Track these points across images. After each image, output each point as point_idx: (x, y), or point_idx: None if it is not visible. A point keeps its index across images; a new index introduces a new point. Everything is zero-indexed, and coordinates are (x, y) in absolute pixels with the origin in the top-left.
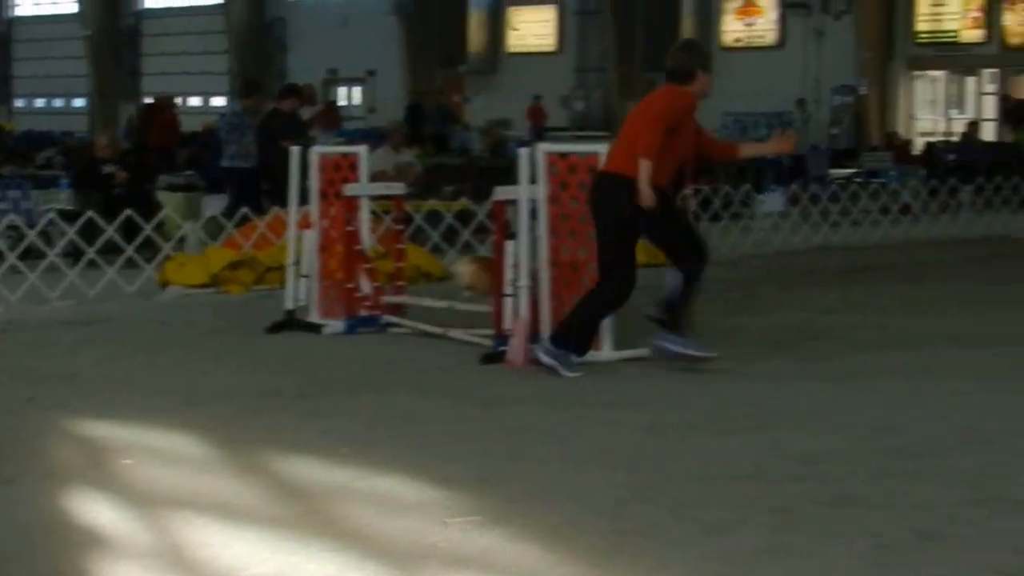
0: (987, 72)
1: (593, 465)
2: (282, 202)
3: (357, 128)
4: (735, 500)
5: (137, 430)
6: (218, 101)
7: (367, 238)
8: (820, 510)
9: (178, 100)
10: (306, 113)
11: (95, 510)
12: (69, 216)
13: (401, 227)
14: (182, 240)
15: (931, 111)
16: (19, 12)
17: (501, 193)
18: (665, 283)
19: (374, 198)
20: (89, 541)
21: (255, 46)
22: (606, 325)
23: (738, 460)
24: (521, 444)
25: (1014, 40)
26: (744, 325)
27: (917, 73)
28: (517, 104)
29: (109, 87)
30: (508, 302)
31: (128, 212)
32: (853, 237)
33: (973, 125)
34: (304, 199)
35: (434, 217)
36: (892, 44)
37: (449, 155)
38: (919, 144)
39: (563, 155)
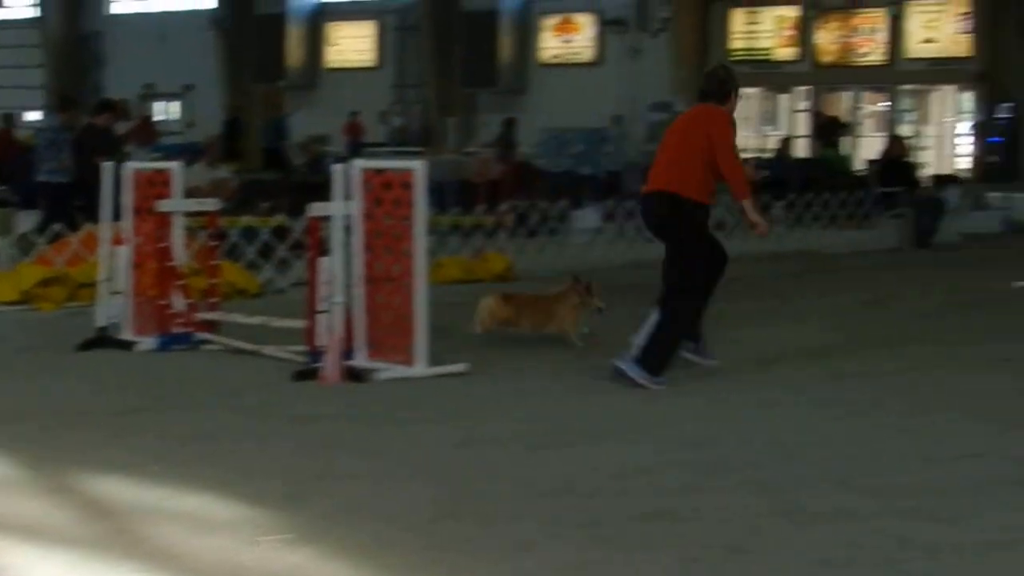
0: (800, 89)
1: (405, 481)
2: (96, 218)
3: (175, 143)
4: (545, 515)
5: None
6: (33, 115)
7: (181, 254)
8: (629, 525)
9: None
10: (121, 128)
11: None
12: None
13: (215, 243)
14: None
15: (745, 128)
16: None
17: (316, 209)
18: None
19: (189, 214)
20: None
21: (71, 60)
22: (420, 341)
23: (549, 475)
24: (333, 461)
25: (826, 58)
26: (557, 341)
27: None
28: (336, 119)
29: None
30: (322, 318)
31: None
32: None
33: (786, 142)
34: (118, 215)
35: (250, 233)
36: (708, 62)
37: (286, 171)
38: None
39: (378, 171)
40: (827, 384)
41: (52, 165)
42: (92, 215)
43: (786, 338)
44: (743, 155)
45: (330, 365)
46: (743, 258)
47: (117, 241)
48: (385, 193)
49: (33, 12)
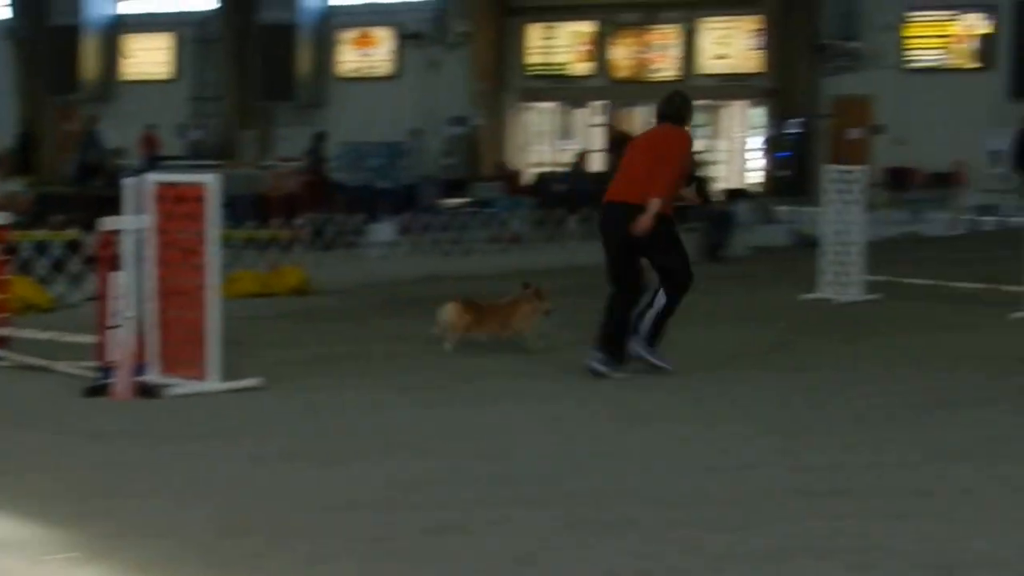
0: (596, 104)
1: (194, 498)
2: None
3: None
4: (334, 530)
5: None
6: None
7: None
8: (418, 538)
9: None
10: None
11: None
12: None
13: (6, 257)
14: None
15: (542, 142)
16: None
17: (108, 223)
18: (653, 298)
19: None
20: None
21: None
22: (213, 355)
23: (339, 489)
24: (122, 478)
25: (621, 73)
26: (354, 353)
27: (528, 104)
28: (133, 132)
29: None
30: (113, 333)
31: None
32: (464, 266)
33: (582, 156)
34: None
35: (42, 247)
36: (504, 76)
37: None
38: (530, 174)
39: (171, 185)
40: (616, 395)
41: None
42: None
43: (578, 353)
44: (543, 170)
45: (121, 381)
46: (538, 270)
47: None
48: (178, 207)
49: None
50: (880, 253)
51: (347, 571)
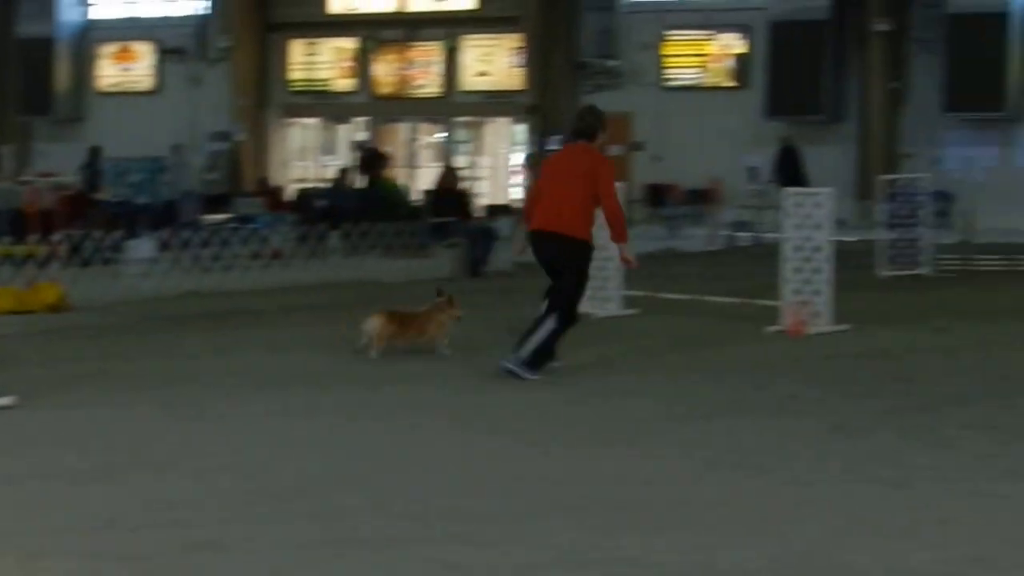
0: (359, 120)
1: None
2: None
3: None
4: (89, 550)
5: None
6: None
7: None
8: (174, 557)
9: None
10: None
11: None
12: None
13: None
14: None
15: (304, 158)
16: None
17: None
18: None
19: None
20: None
21: None
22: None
23: (94, 509)
24: None
25: (383, 90)
26: (111, 370)
27: (291, 120)
28: None
29: None
30: None
31: None
32: (225, 282)
33: (344, 172)
34: None
35: None
36: (267, 92)
37: None
38: (292, 190)
39: None
40: (384, 409)
41: None
42: None
43: (339, 369)
44: (305, 186)
45: None
46: (299, 287)
47: None
48: None
49: None
50: (638, 268)
51: None
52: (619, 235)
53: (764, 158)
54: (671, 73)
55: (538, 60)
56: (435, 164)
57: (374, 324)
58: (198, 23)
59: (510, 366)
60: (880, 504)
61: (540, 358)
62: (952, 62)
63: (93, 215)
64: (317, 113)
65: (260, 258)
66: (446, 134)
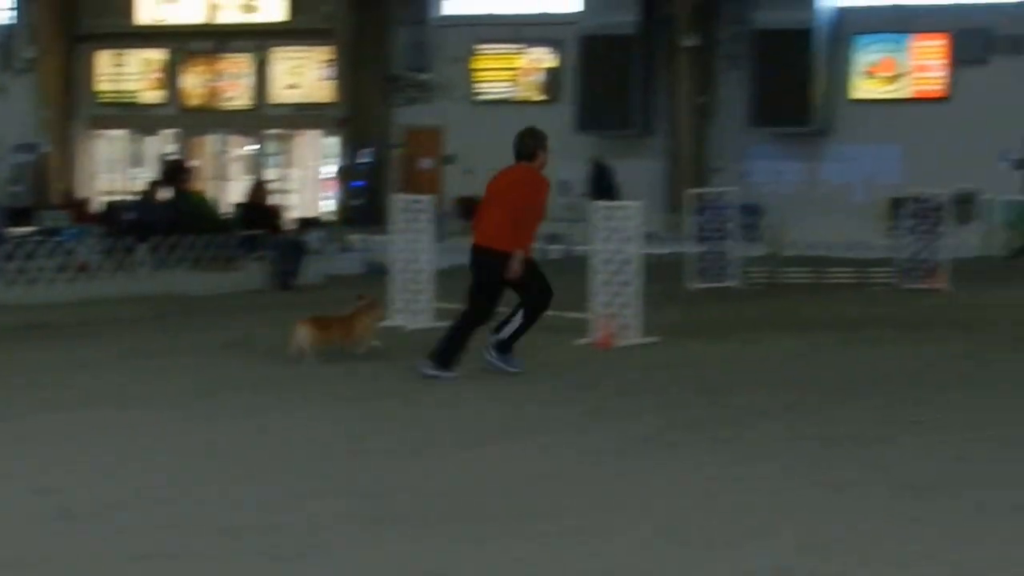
0: (168, 132)
1: None
2: None
3: None
4: None
5: None
6: None
7: None
8: None
9: None
10: None
11: None
12: None
13: None
14: None
15: (112, 170)
16: None
17: None
18: (512, 314)
19: None
20: None
21: None
22: None
23: None
24: None
25: (192, 102)
26: None
27: (99, 132)
28: None
29: None
30: None
31: None
32: (29, 296)
33: (153, 184)
34: None
35: None
36: (73, 103)
37: None
38: (99, 202)
39: None
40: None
41: None
42: None
43: (156, 384)
44: (113, 198)
45: None
46: (107, 300)
47: None
48: None
49: None
50: (451, 281)
51: None
52: (518, 241)
53: (575, 172)
54: (482, 87)
55: (349, 73)
56: (245, 177)
57: (303, 333)
58: (3, 33)
59: (491, 359)
60: (690, 515)
61: (460, 351)
62: (759, 77)
63: None
64: (125, 125)
65: (66, 271)
66: (256, 147)
